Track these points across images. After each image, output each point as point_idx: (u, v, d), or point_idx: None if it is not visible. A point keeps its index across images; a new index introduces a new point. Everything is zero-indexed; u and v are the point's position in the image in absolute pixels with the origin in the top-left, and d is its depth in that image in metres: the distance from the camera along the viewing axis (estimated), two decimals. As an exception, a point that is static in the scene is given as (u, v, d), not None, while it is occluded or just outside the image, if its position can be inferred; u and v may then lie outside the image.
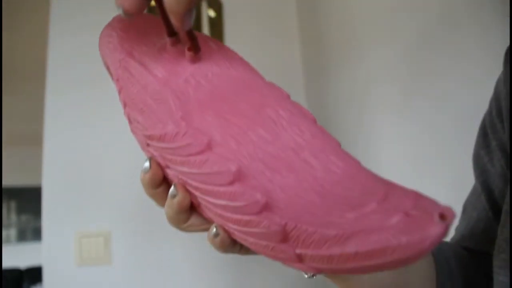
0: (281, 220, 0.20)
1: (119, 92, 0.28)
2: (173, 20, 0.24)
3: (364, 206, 0.19)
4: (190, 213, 0.26)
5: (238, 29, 1.28)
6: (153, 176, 0.26)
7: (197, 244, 1.11)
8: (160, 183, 0.26)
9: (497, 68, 0.53)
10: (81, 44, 1.11)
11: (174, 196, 0.25)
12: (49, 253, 1.05)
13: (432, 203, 0.18)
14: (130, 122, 0.28)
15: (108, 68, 0.31)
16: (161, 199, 0.27)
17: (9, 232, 4.14)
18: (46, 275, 1.04)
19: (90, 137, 1.12)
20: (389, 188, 0.20)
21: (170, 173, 0.25)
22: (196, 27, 1.22)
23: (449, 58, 0.67)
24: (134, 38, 0.29)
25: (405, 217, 0.17)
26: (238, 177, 0.22)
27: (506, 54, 0.40)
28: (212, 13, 1.25)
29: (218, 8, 1.26)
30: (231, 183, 0.22)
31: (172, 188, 0.25)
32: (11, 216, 4.18)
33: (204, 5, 1.25)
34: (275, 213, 0.21)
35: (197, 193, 0.24)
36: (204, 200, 0.24)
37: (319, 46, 1.19)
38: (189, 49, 0.26)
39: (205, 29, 1.24)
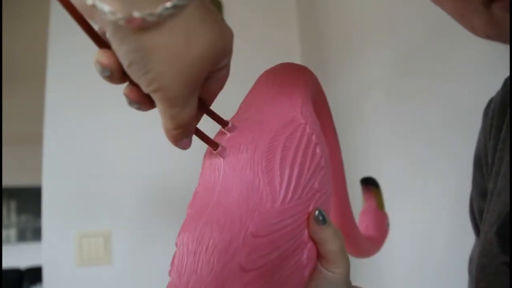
0: None
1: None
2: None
3: None
4: None
5: (238, 29, 1.27)
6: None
7: (197, 244, 1.11)
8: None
9: (494, 72, 0.53)
10: (81, 44, 1.11)
11: None
12: (49, 253, 1.05)
13: None
14: None
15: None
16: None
17: (9, 232, 4.13)
18: (46, 275, 1.04)
19: (90, 137, 1.12)
20: None
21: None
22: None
23: (447, 62, 0.67)
24: None
25: None
26: None
27: (487, 106, 0.41)
28: (212, 13, 1.25)
29: (218, 8, 1.26)
30: None
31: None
32: (11, 216, 4.18)
33: (204, 5, 1.25)
34: None
35: None
36: None
37: (319, 46, 1.19)
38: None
39: (205, 29, 1.24)
